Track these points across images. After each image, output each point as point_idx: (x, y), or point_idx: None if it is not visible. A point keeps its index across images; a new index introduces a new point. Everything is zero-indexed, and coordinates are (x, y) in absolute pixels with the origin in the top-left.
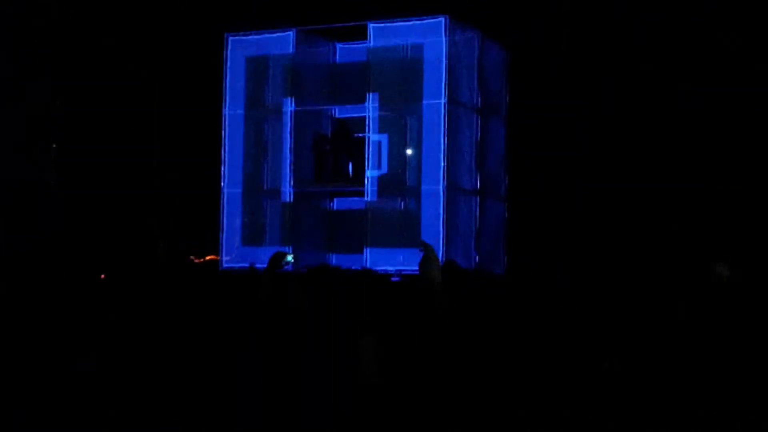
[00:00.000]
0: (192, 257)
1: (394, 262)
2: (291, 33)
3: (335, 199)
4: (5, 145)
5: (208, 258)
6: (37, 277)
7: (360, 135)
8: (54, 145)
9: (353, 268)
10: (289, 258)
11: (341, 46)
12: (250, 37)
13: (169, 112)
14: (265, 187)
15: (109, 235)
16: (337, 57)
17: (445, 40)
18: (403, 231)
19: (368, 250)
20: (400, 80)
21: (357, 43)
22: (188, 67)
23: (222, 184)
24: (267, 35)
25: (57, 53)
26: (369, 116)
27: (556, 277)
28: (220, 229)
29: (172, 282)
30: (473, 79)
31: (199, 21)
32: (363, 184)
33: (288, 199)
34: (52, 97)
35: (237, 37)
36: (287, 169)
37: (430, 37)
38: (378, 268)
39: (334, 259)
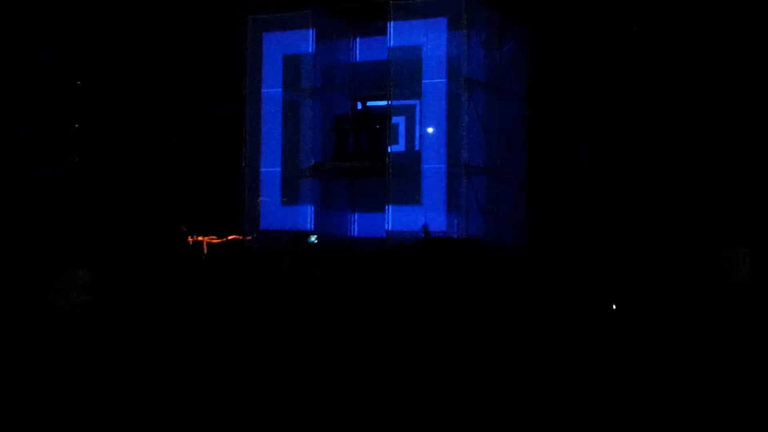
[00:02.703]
0: (213, 237)
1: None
2: (311, 31)
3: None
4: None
5: (230, 238)
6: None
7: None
8: (76, 125)
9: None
10: (312, 238)
11: (361, 40)
12: (278, 33)
13: (186, 96)
14: (289, 164)
15: (129, 220)
16: (358, 50)
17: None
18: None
19: (390, 207)
20: (417, 65)
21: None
22: (206, 48)
23: (243, 163)
24: (291, 32)
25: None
26: (390, 95)
27: (575, 250)
28: (245, 205)
29: (193, 263)
30: (492, 58)
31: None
32: (381, 162)
33: (311, 173)
34: (71, 83)
35: (261, 25)
36: (309, 148)
37: (443, 22)
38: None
39: (356, 218)
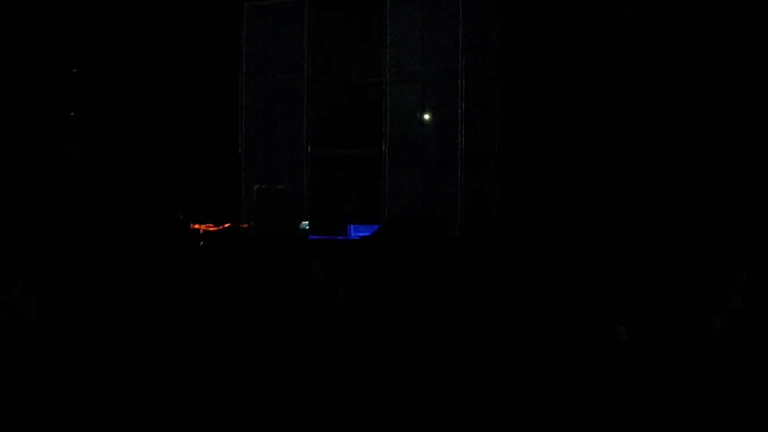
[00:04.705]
0: (210, 225)
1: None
2: (306, 18)
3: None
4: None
5: (226, 225)
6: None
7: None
8: (72, 113)
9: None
10: (305, 224)
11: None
12: (274, 20)
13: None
14: (285, 151)
15: (128, 204)
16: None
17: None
18: None
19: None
20: (414, 51)
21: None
22: (206, 34)
23: (240, 151)
24: (288, 19)
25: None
26: (386, 80)
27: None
28: (241, 192)
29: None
30: (491, 45)
31: None
32: (379, 148)
33: (307, 160)
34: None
35: (258, 13)
36: (305, 134)
37: (445, 6)
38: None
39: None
